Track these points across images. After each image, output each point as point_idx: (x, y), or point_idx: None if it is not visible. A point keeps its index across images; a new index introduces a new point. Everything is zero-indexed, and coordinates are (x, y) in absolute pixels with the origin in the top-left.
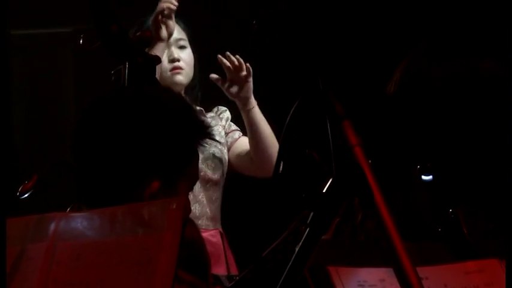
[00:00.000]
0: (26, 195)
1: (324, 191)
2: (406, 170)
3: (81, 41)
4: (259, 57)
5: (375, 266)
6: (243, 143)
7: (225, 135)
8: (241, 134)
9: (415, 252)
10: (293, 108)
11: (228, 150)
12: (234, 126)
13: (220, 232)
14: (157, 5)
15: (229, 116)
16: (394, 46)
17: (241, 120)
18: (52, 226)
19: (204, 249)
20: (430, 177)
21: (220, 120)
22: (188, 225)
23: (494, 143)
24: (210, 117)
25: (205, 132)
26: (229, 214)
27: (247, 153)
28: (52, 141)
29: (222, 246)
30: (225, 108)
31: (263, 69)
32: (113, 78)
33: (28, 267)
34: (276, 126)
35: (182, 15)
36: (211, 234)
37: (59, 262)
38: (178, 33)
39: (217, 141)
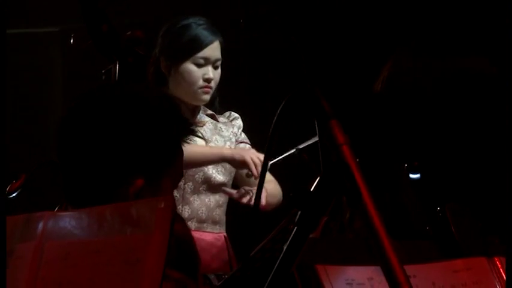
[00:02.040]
0: (14, 195)
1: (312, 189)
2: (393, 168)
3: (71, 41)
4: (247, 55)
5: (363, 264)
6: None
7: (235, 141)
8: (250, 148)
9: (403, 250)
10: (280, 107)
11: None
12: (244, 137)
13: (224, 236)
14: (147, 4)
15: (241, 125)
16: (382, 44)
17: (251, 129)
18: (40, 225)
19: (194, 247)
20: (418, 175)
21: (232, 127)
22: (178, 222)
23: (482, 141)
24: (221, 122)
25: (189, 129)
26: (232, 217)
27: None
28: (40, 141)
29: (227, 251)
30: (238, 115)
31: (251, 68)
32: (103, 77)
33: (16, 266)
34: (263, 125)
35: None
36: (216, 238)
37: (47, 261)
38: (219, 53)
39: (202, 138)
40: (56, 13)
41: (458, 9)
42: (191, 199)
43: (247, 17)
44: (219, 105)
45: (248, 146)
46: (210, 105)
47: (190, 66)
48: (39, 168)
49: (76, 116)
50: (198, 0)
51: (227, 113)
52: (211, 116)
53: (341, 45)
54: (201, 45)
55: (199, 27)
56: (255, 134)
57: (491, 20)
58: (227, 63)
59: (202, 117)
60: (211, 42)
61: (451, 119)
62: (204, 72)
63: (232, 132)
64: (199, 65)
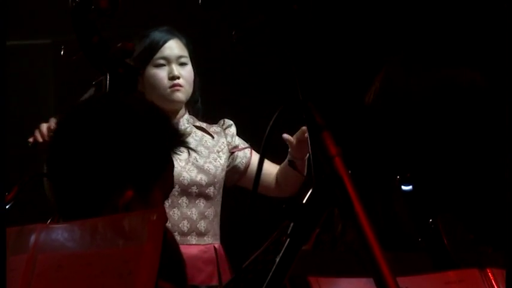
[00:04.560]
0: (6, 207)
1: (304, 201)
2: (385, 180)
3: (62, 52)
4: (240, 67)
5: (355, 276)
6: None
7: (228, 151)
8: (250, 149)
9: (395, 262)
10: (273, 119)
11: (245, 170)
12: (241, 142)
13: (214, 247)
14: (138, 15)
15: (235, 132)
16: (373, 56)
17: (245, 133)
18: (33, 238)
19: (181, 256)
20: (410, 187)
21: (225, 137)
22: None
23: (474, 153)
24: (214, 132)
25: (179, 141)
26: (229, 228)
27: (269, 175)
28: (32, 153)
29: (215, 262)
30: (231, 122)
31: (244, 79)
32: (94, 89)
33: (9, 279)
34: (256, 136)
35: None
36: (202, 250)
37: (39, 274)
38: (179, 50)
39: (193, 150)
40: (48, 25)
41: (450, 21)
42: (170, 213)
43: (239, 29)
44: (202, 110)
45: (248, 149)
46: (191, 110)
47: (152, 70)
48: (31, 180)
49: (66, 129)
50: (190, 11)
51: (221, 121)
52: (200, 128)
53: (332, 57)
54: (156, 46)
55: (153, 33)
56: (248, 141)
57: (483, 31)
58: (222, 72)
59: (189, 127)
60: (166, 42)
61: (443, 130)
62: (168, 71)
63: (223, 142)
64: (160, 66)
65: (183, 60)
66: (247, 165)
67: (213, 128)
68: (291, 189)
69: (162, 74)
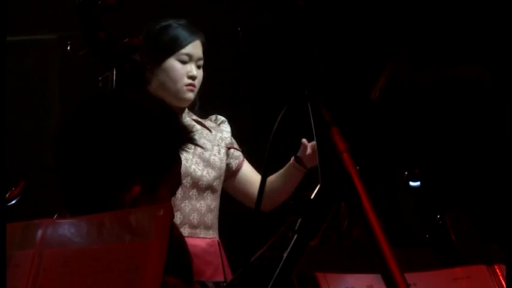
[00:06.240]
0: (13, 202)
1: (312, 197)
2: (393, 176)
3: (68, 48)
4: (247, 62)
5: (362, 272)
6: (248, 173)
7: (225, 145)
8: (243, 156)
9: (402, 258)
10: (280, 115)
11: (235, 172)
12: (234, 142)
13: (217, 241)
14: (144, 11)
15: (230, 130)
16: (379, 52)
17: (239, 133)
18: (39, 233)
19: (187, 252)
20: (418, 183)
21: (220, 132)
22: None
23: (481, 148)
24: (210, 126)
25: (187, 137)
26: (226, 222)
27: (254, 185)
28: (38, 148)
29: (219, 256)
30: (224, 118)
31: (252, 75)
32: (100, 84)
33: (15, 274)
34: (263, 132)
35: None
36: (209, 243)
37: (46, 269)
38: (201, 52)
39: (201, 146)
40: (54, 20)
41: (455, 16)
42: (182, 205)
43: (244, 25)
44: (200, 109)
45: (241, 155)
46: (190, 109)
47: (174, 63)
48: (38, 175)
49: (74, 124)
50: (195, 8)
51: (213, 117)
52: (198, 122)
53: (338, 53)
54: (184, 41)
55: (180, 27)
56: (253, 140)
57: (489, 27)
58: (225, 70)
59: (189, 121)
60: (193, 40)
61: (450, 126)
62: (188, 69)
63: (220, 137)
64: (183, 62)
65: (200, 63)
66: (239, 168)
67: (207, 123)
68: (275, 204)
69: (183, 70)
